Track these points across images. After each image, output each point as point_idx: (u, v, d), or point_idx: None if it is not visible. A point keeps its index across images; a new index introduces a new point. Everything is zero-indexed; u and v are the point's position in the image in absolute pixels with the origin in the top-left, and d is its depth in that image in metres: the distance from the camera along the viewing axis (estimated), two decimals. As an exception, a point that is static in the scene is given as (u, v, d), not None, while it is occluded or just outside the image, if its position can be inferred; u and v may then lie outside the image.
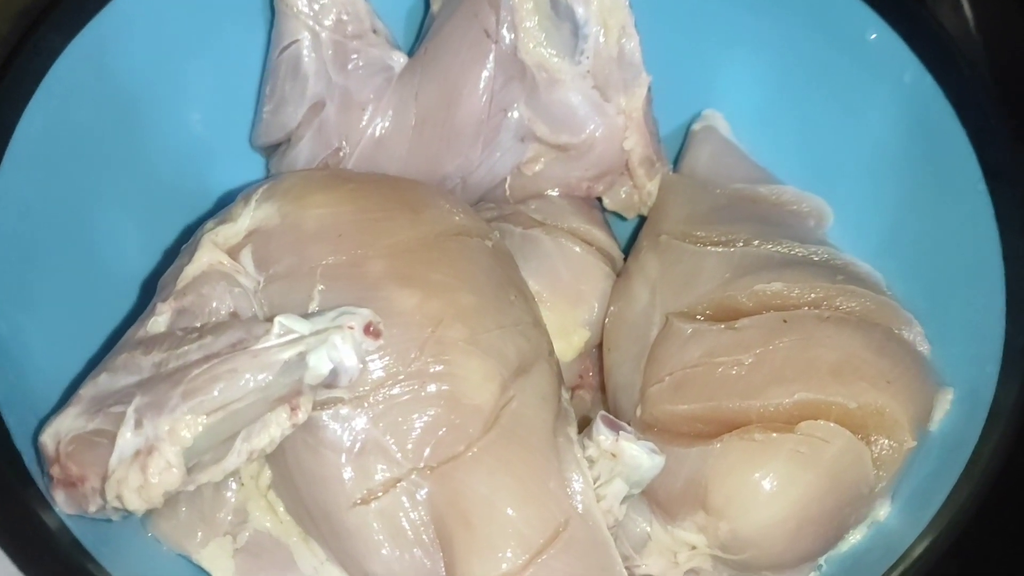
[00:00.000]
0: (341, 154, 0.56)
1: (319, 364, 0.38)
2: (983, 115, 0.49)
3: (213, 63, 0.56)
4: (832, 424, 0.43)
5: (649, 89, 0.55)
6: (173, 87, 0.55)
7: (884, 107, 0.53)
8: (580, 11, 0.53)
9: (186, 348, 0.40)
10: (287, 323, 0.39)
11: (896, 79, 0.52)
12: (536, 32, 0.53)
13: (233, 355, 0.38)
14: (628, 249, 0.57)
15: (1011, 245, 0.47)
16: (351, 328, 0.39)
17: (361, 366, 0.40)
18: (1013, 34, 0.56)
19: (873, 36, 0.53)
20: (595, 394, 0.55)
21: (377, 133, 0.56)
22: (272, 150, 0.59)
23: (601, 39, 0.53)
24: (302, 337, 0.39)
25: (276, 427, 0.39)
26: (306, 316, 0.40)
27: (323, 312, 0.41)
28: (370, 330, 0.40)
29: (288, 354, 0.38)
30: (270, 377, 0.38)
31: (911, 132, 0.52)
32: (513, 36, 0.53)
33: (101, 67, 0.51)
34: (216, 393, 0.38)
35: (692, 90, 0.60)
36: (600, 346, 0.54)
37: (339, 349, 0.38)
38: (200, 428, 0.38)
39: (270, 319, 0.40)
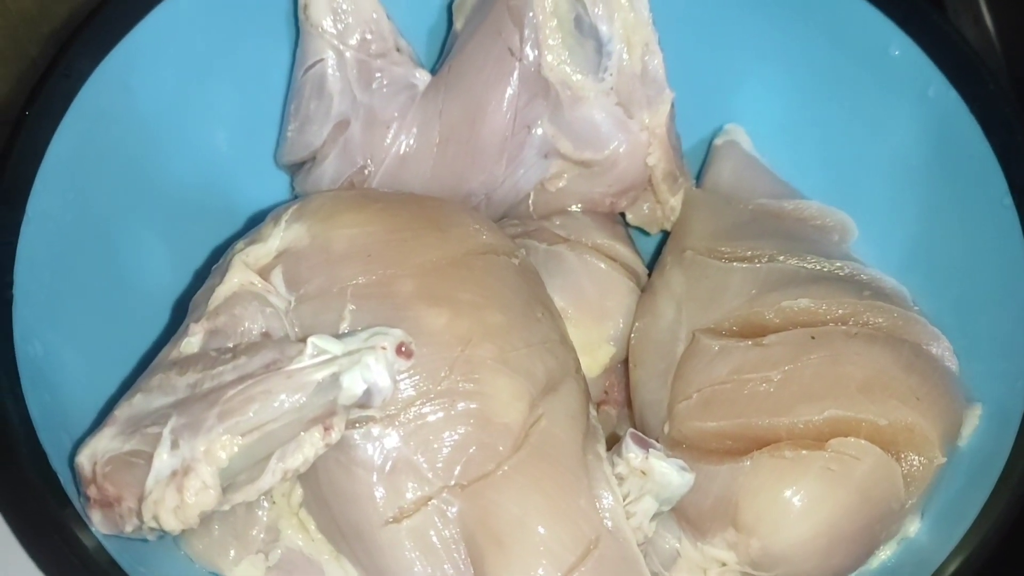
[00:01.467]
0: (366, 172, 0.56)
1: (353, 384, 0.39)
2: (1009, 129, 0.49)
3: (237, 82, 0.57)
4: (863, 441, 0.43)
5: (672, 105, 0.55)
6: (199, 107, 0.55)
7: (908, 122, 0.53)
8: (604, 29, 0.53)
9: (220, 369, 0.40)
10: (320, 344, 0.39)
11: (920, 94, 0.52)
12: (560, 50, 0.54)
13: (267, 376, 0.39)
14: (652, 264, 0.58)
15: (1038, 262, 0.46)
16: (384, 348, 0.39)
17: (393, 386, 0.40)
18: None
19: (896, 52, 0.53)
20: (621, 410, 0.55)
21: (402, 151, 0.56)
22: (297, 168, 0.59)
23: (625, 56, 0.54)
24: (335, 358, 0.39)
25: (310, 447, 0.39)
26: (339, 336, 0.41)
27: (355, 332, 0.41)
28: (402, 350, 0.40)
29: (322, 375, 0.39)
30: (304, 398, 0.39)
31: (935, 147, 0.52)
32: (537, 54, 0.54)
33: (128, 89, 0.52)
34: (252, 414, 0.38)
35: (714, 104, 0.60)
36: (625, 362, 0.54)
37: (372, 369, 0.39)
38: (236, 449, 0.38)
39: (303, 339, 0.40)
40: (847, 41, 0.54)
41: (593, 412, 0.47)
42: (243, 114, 0.57)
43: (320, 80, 0.56)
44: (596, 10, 0.53)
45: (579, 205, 0.58)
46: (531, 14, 0.53)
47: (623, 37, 0.53)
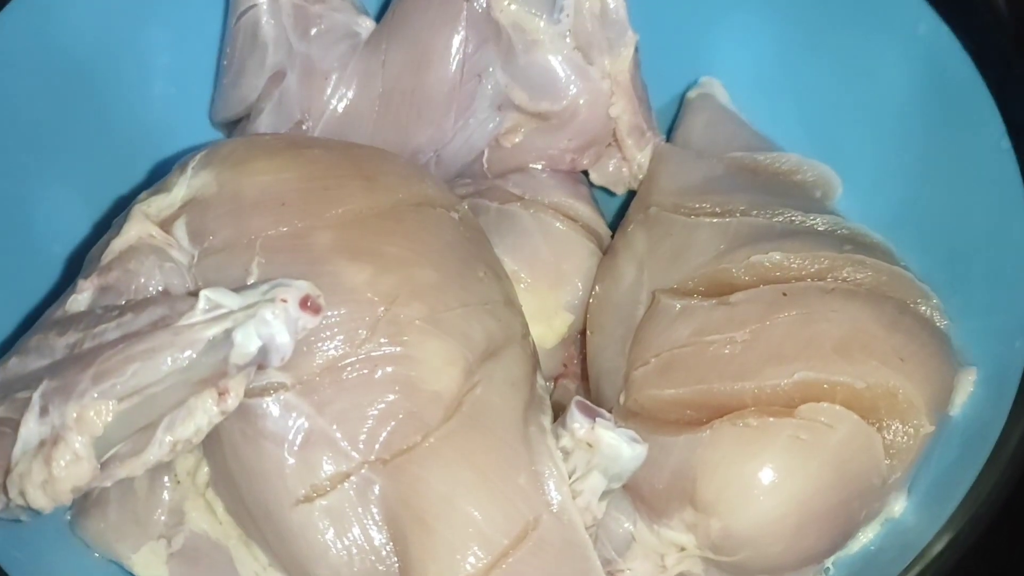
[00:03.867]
0: (304, 127, 0.52)
1: (246, 341, 0.34)
2: (1006, 66, 0.44)
3: (172, 32, 0.53)
4: (837, 407, 0.38)
5: (636, 49, 0.50)
6: (127, 58, 0.52)
7: (896, 63, 0.49)
8: (558, -36, 0.48)
9: (103, 327, 0.35)
10: (214, 297, 0.35)
11: (909, 31, 0.48)
12: (511, -12, 0.49)
13: (152, 333, 0.34)
14: (616, 227, 0.53)
15: (1038, 207, 0.41)
16: (284, 301, 0.34)
17: (293, 343, 0.35)
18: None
19: (884, -14, 0.48)
20: (580, 383, 0.50)
21: (342, 104, 0.52)
22: (233, 126, 0.55)
23: (582, -6, 0.49)
24: (230, 312, 0.34)
25: (202, 414, 0.34)
26: (237, 290, 0.36)
27: (256, 285, 0.36)
28: (308, 304, 0.35)
29: (213, 331, 0.34)
30: (192, 356, 0.34)
31: (927, 89, 0.48)
32: (486, -7, 0.49)
33: (44, 36, 0.48)
34: (130, 375, 0.33)
35: (687, 56, 0.56)
36: (584, 331, 0.49)
37: (270, 324, 0.34)
38: (111, 415, 0.33)
39: (195, 293, 0.35)
40: (828, -23, 0.50)
41: (542, 381, 0.42)
42: (178, 66, 0.54)
43: (253, 28, 0.52)
44: (549, -57, 0.48)
45: (539, 163, 0.53)
46: (479, -52, 0.49)
47: (579, -26, 0.49)
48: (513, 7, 0.49)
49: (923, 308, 0.42)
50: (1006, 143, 0.43)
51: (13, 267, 0.46)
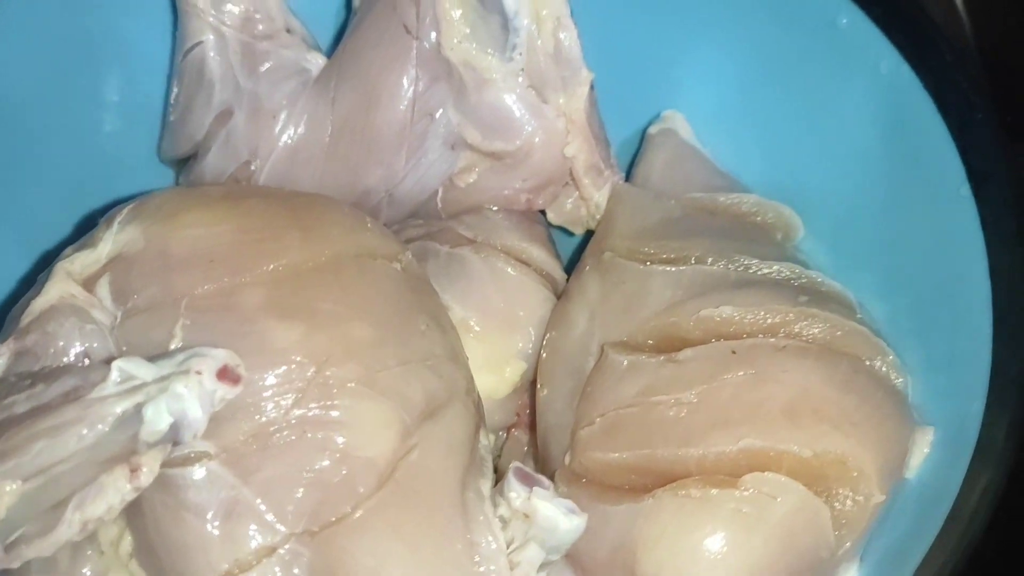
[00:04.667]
0: (252, 167, 0.51)
1: (156, 418, 0.32)
2: (968, 109, 0.43)
3: (120, 67, 0.52)
4: (783, 477, 0.36)
5: (592, 87, 0.49)
6: (74, 94, 0.50)
7: (859, 102, 0.48)
8: (509, 1, 0.47)
9: (13, 398, 0.34)
10: (127, 368, 0.33)
11: (871, 70, 0.46)
12: (460, 25, 0.48)
13: (61, 407, 0.32)
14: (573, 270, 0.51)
15: (998, 258, 0.40)
16: (199, 373, 0.33)
17: (207, 419, 0.33)
18: (1003, 14, 0.49)
19: (844, 21, 0.47)
20: (532, 434, 0.48)
21: (291, 143, 0.51)
22: (182, 164, 0.53)
23: (535, 32, 0.48)
24: (143, 384, 0.33)
25: (114, 492, 0.33)
26: (153, 359, 0.34)
27: (172, 354, 0.34)
28: (226, 375, 0.34)
29: (123, 406, 0.32)
30: (101, 433, 0.32)
31: (888, 129, 0.47)
32: (436, 31, 0.48)
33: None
34: (35, 454, 0.32)
35: (649, 89, 0.54)
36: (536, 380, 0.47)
37: (181, 399, 0.32)
38: (15, 496, 0.31)
39: (109, 362, 0.34)
40: (792, 13, 0.49)
41: (484, 442, 0.41)
42: (126, 103, 0.52)
43: (199, 65, 0.51)
44: (499, -21, 0.47)
45: (494, 203, 0.52)
46: (427, -15, 0.47)
47: (531, 11, 0.47)
48: (464, 45, 0.48)
49: (879, 365, 0.41)
50: (966, 190, 0.42)
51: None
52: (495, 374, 0.47)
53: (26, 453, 0.32)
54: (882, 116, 0.47)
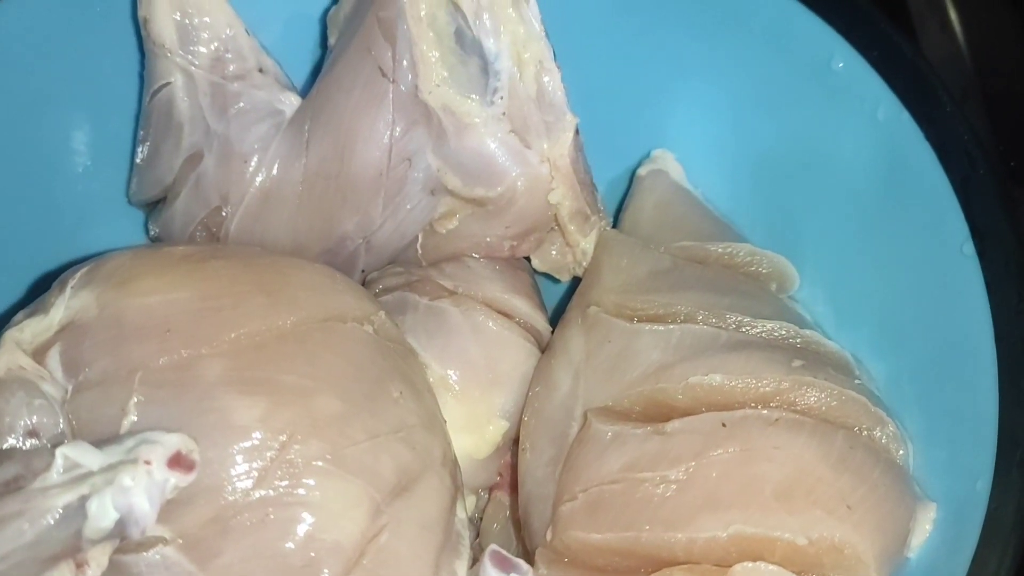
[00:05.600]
0: (223, 213, 0.49)
1: (101, 513, 0.30)
2: (970, 161, 0.41)
3: (88, 108, 0.50)
4: (774, 568, 0.34)
5: (577, 132, 0.47)
6: (41, 134, 0.49)
7: (856, 148, 0.46)
8: (489, 44, 0.45)
9: (-47, 486, 0.31)
10: (72, 455, 0.31)
11: (868, 115, 0.45)
12: (438, 69, 0.46)
13: (1, 498, 0.30)
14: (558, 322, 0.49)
15: (1004, 322, 0.38)
16: (148, 463, 0.31)
17: (156, 513, 0.31)
18: (1009, 58, 0.47)
19: (840, 65, 0.45)
20: (514, 495, 0.46)
21: (263, 188, 0.49)
22: (152, 206, 0.51)
23: (517, 76, 0.45)
24: (89, 474, 0.30)
25: (59, 589, 0.30)
26: (102, 444, 0.32)
27: (122, 439, 0.32)
28: (180, 462, 0.31)
29: (67, 499, 0.30)
30: (47, 525, 0.30)
31: (887, 178, 0.45)
32: (412, 74, 0.46)
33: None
34: (-28, 552, 0.30)
35: (639, 129, 0.52)
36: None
37: (128, 492, 0.30)
38: (-50, 599, 0.29)
39: (54, 448, 0.31)
40: (787, 54, 0.47)
41: (462, 515, 0.39)
42: (95, 144, 0.50)
43: (168, 106, 0.49)
44: (479, 22, 0.45)
45: (476, 250, 0.49)
46: (404, 26, 0.45)
47: (512, 53, 0.45)
48: (442, 88, 0.46)
49: (878, 435, 0.38)
50: (969, 248, 0.40)
51: None
52: (476, 434, 0.45)
53: (-39, 552, 0.30)
54: (880, 162, 0.45)
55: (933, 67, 0.42)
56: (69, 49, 0.48)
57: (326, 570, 0.34)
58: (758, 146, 0.50)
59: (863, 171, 0.45)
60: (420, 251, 0.50)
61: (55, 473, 0.31)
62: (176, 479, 0.31)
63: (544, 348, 0.47)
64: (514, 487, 0.45)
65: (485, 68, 0.46)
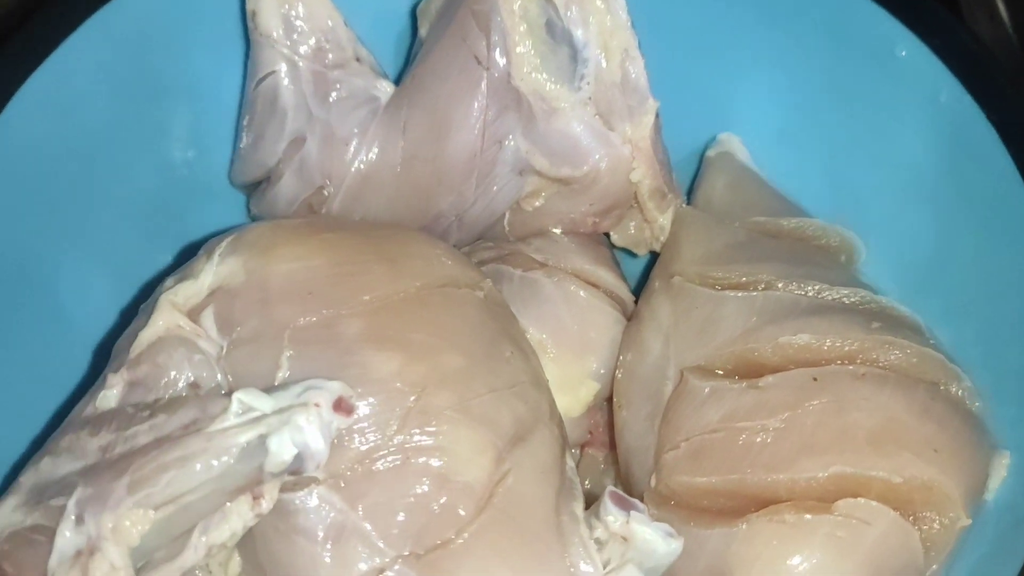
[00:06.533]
0: (325, 193, 0.52)
1: (281, 449, 0.33)
2: (1030, 142, 0.44)
3: (189, 97, 0.53)
4: (874, 503, 0.37)
5: (657, 115, 0.50)
6: (145, 125, 0.51)
7: (919, 129, 0.49)
8: (578, 33, 0.48)
9: (135, 429, 0.35)
10: (247, 400, 0.34)
11: (931, 99, 0.48)
12: (531, 57, 0.49)
13: (185, 438, 0.34)
14: (640, 289, 0.53)
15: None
16: (318, 406, 0.34)
17: (328, 449, 0.35)
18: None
19: (903, 53, 0.48)
20: (607, 452, 0.50)
21: (363, 170, 0.52)
22: (253, 187, 0.55)
23: (602, 63, 0.49)
24: (263, 417, 0.34)
25: (237, 519, 0.34)
26: (269, 390, 0.36)
27: (288, 386, 0.36)
28: (341, 406, 0.35)
29: (246, 437, 0.34)
30: (227, 464, 0.33)
31: (950, 157, 0.48)
32: (506, 62, 0.49)
33: (61, 104, 0.47)
34: (165, 484, 0.33)
35: (706, 113, 0.55)
36: (611, 399, 0.49)
37: (304, 431, 0.34)
38: (148, 525, 0.33)
39: (229, 394, 0.35)
40: (850, 42, 0.50)
41: (571, 463, 0.42)
42: (196, 131, 0.53)
43: (272, 94, 0.52)
44: (569, 13, 0.48)
45: (560, 226, 0.53)
46: (498, 18, 0.49)
47: (600, 42, 0.49)
48: (533, 75, 0.49)
49: (955, 390, 0.42)
50: (1032, 222, 0.43)
51: (41, 354, 0.45)
52: (570, 394, 0.48)
53: (156, 483, 0.33)
54: (942, 144, 0.48)
55: (992, 52, 0.46)
56: (169, 42, 0.51)
57: (460, 509, 0.38)
58: (822, 132, 0.53)
59: (926, 152, 0.48)
60: (507, 227, 0.53)
61: (232, 416, 0.34)
62: (338, 422, 0.35)
63: (628, 316, 0.51)
64: (608, 445, 0.49)
65: (574, 56, 0.49)
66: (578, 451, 0.50)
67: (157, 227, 0.53)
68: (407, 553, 0.37)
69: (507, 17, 0.49)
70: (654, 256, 0.54)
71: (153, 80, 0.51)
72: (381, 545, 0.37)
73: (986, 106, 0.46)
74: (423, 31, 0.53)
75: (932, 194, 0.49)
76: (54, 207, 0.48)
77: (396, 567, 0.37)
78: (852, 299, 0.45)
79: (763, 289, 0.45)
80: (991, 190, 0.46)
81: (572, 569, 0.38)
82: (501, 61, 0.49)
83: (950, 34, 0.47)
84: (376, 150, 0.51)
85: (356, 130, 0.51)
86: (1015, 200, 0.44)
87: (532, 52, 0.49)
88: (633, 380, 0.46)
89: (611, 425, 0.48)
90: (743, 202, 0.52)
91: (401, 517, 0.37)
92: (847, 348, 0.41)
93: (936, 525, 0.39)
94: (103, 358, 0.47)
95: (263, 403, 0.34)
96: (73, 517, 0.33)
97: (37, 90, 0.46)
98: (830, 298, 0.45)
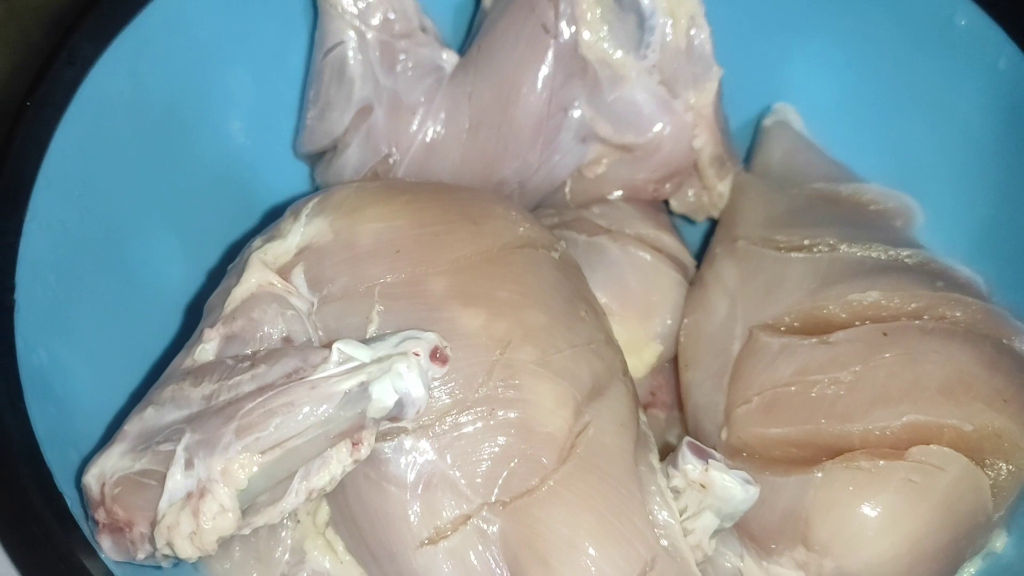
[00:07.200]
0: (391, 161, 0.53)
1: (384, 395, 0.35)
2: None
3: (253, 68, 0.54)
4: (946, 449, 0.39)
5: (720, 84, 0.51)
6: (212, 95, 0.53)
7: (976, 96, 0.50)
8: (646, 2, 0.49)
9: (238, 379, 0.36)
10: (347, 350, 0.36)
11: (989, 66, 0.49)
12: (598, 25, 0.50)
13: (289, 387, 0.35)
14: (698, 255, 0.54)
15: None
16: (417, 355, 0.36)
17: (427, 396, 0.36)
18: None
19: (963, 22, 0.49)
20: (669, 412, 0.51)
21: (429, 138, 0.53)
22: (317, 158, 0.56)
23: (668, 31, 0.50)
24: (363, 365, 0.36)
25: (337, 464, 0.36)
26: (366, 341, 0.37)
27: (385, 337, 0.37)
28: (437, 356, 0.36)
29: (349, 384, 0.35)
30: (330, 410, 0.35)
31: (1007, 122, 0.49)
32: (573, 30, 0.50)
33: (136, 76, 0.49)
34: (272, 429, 0.35)
35: (762, 82, 0.56)
36: (674, 361, 0.50)
37: (404, 378, 0.35)
38: (255, 468, 0.34)
39: (327, 345, 0.36)
40: (906, 10, 0.51)
41: (644, 418, 0.43)
42: (260, 101, 0.55)
43: (340, 64, 0.53)
44: (637, -19, 0.49)
45: (619, 192, 0.54)
46: (567, -13, 0.49)
47: (667, 10, 0.50)
48: (600, 43, 0.50)
49: (1018, 345, 0.43)
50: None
51: (134, 313, 0.47)
52: (634, 355, 0.49)
53: (264, 429, 0.35)
54: (1000, 109, 0.49)
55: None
56: (233, 16, 0.52)
57: (544, 458, 0.39)
58: (877, 100, 0.54)
59: (983, 117, 0.49)
60: (569, 195, 0.54)
61: (332, 365, 0.36)
62: (435, 370, 0.36)
63: (690, 280, 0.52)
64: (672, 404, 0.50)
65: (640, 24, 0.50)
66: (643, 412, 0.52)
67: (223, 195, 0.54)
68: (493, 500, 0.39)
69: (575, -15, 0.50)
70: (711, 223, 0.55)
71: (221, 52, 0.52)
72: (468, 492, 0.39)
73: (1046, 73, 0.47)
74: (487, 2, 0.55)
75: (990, 159, 0.50)
76: (133, 173, 0.49)
77: (483, 513, 0.39)
78: (914, 260, 0.46)
79: (827, 251, 0.46)
80: (1050, 152, 0.47)
81: (651, 515, 0.39)
82: (569, 30, 0.50)
83: (1010, 2, 0.48)
84: (442, 118, 0.53)
85: (422, 99, 0.53)
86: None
87: (600, 20, 0.50)
88: (700, 340, 0.47)
89: (675, 386, 0.50)
90: (800, 169, 0.53)
91: (486, 466, 0.39)
92: (914, 305, 0.42)
93: (1004, 472, 0.40)
94: (191, 317, 0.48)
95: (363, 353, 0.36)
96: (183, 461, 0.35)
97: (115, 60, 0.48)
98: (892, 259, 0.46)
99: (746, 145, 0.57)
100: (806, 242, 0.47)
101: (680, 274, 0.52)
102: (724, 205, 0.54)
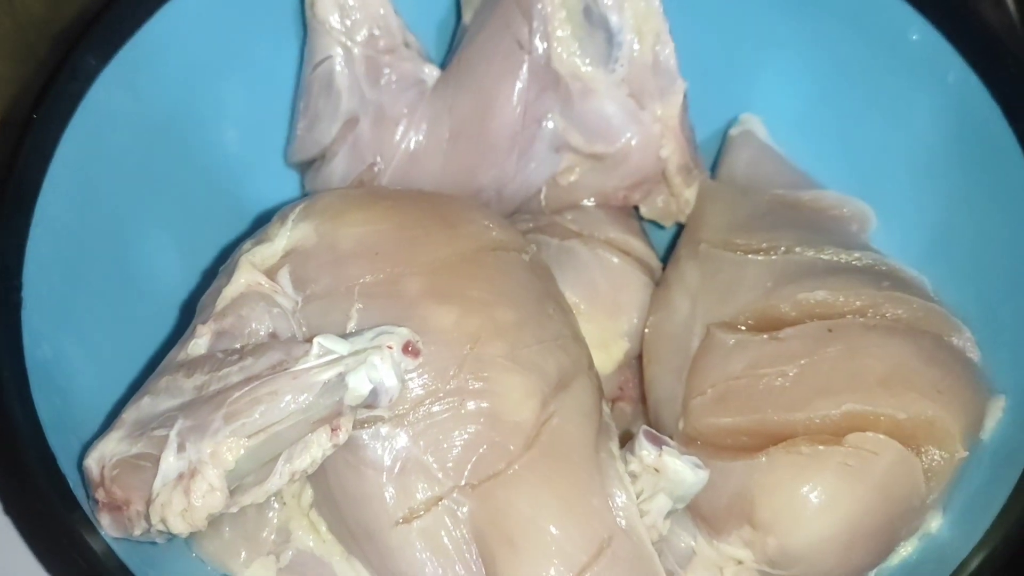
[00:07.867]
0: (376, 169, 0.56)
1: (359, 385, 0.38)
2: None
3: (247, 81, 0.56)
4: (881, 436, 0.42)
5: (685, 96, 0.54)
6: (207, 107, 0.55)
7: (928, 109, 0.52)
8: (614, 19, 0.52)
9: (227, 370, 0.40)
10: (326, 344, 0.39)
11: (940, 79, 0.51)
12: (569, 41, 0.53)
13: (273, 377, 0.38)
14: (666, 258, 0.57)
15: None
16: (390, 348, 0.39)
17: (400, 386, 0.39)
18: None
19: (915, 37, 0.52)
20: (636, 406, 0.54)
21: (411, 147, 0.56)
22: (307, 167, 0.59)
23: (636, 47, 0.53)
24: (341, 357, 0.39)
25: (317, 448, 0.39)
26: (345, 336, 0.40)
27: (362, 332, 0.40)
28: (409, 349, 0.40)
29: (328, 375, 0.38)
30: (310, 399, 0.38)
31: (957, 134, 0.51)
32: (546, 46, 0.53)
33: (136, 89, 0.51)
34: (258, 416, 0.38)
35: (728, 94, 0.59)
36: (640, 357, 0.53)
37: (378, 369, 0.38)
38: (242, 451, 0.38)
39: (309, 340, 0.40)
40: (864, 26, 0.53)
41: (607, 409, 0.47)
42: (253, 113, 0.57)
43: (328, 78, 0.56)
44: (606, 0, 0.52)
45: (592, 199, 0.57)
46: (539, 6, 0.53)
47: (634, 27, 0.53)
48: (572, 58, 0.53)
49: (956, 341, 0.46)
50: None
51: (133, 311, 0.50)
52: (602, 352, 0.52)
53: (249, 415, 0.38)
54: (950, 122, 0.51)
55: (998, 35, 0.50)
56: (228, 34, 0.55)
57: (511, 445, 0.42)
58: (837, 111, 0.56)
59: (935, 129, 0.51)
60: (544, 201, 0.57)
61: (313, 357, 0.39)
62: (407, 363, 0.39)
63: (656, 281, 0.55)
64: (638, 399, 0.53)
65: (609, 40, 0.53)
66: (609, 405, 0.55)
67: (217, 201, 0.56)
68: (463, 483, 0.42)
69: (548, 4, 0.53)
70: (679, 228, 0.58)
71: (217, 66, 0.55)
72: (439, 476, 0.42)
73: (991, 85, 0.49)
74: (467, 18, 0.57)
75: (939, 169, 0.52)
76: (131, 181, 0.52)
77: (453, 495, 0.42)
78: (864, 262, 0.49)
79: (783, 253, 0.49)
80: (994, 165, 0.49)
81: (610, 498, 0.42)
82: (542, 45, 0.53)
83: (959, 19, 0.50)
84: (424, 129, 0.55)
85: (405, 111, 0.55)
86: (1016, 175, 0.48)
87: (571, 37, 0.53)
88: (662, 337, 0.51)
89: (640, 381, 0.53)
90: (763, 176, 0.56)
91: (456, 452, 0.42)
92: (859, 303, 0.46)
93: (937, 458, 0.43)
94: (185, 314, 0.51)
95: (341, 346, 0.39)
96: (176, 445, 0.38)
97: (116, 73, 0.50)
98: (843, 261, 0.49)
99: (714, 154, 0.60)
100: (764, 245, 0.50)
101: (647, 276, 0.54)
102: (691, 211, 0.56)
